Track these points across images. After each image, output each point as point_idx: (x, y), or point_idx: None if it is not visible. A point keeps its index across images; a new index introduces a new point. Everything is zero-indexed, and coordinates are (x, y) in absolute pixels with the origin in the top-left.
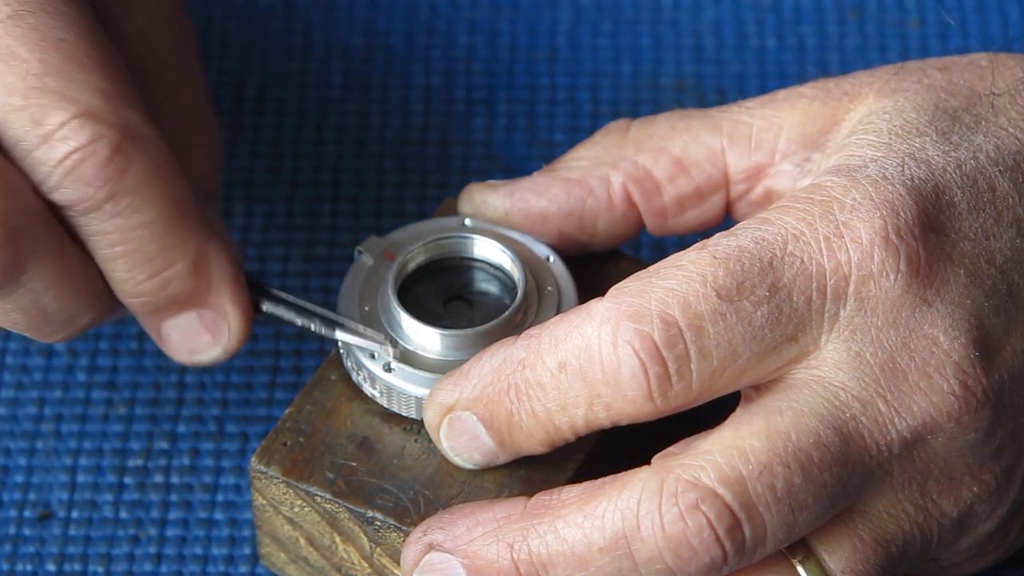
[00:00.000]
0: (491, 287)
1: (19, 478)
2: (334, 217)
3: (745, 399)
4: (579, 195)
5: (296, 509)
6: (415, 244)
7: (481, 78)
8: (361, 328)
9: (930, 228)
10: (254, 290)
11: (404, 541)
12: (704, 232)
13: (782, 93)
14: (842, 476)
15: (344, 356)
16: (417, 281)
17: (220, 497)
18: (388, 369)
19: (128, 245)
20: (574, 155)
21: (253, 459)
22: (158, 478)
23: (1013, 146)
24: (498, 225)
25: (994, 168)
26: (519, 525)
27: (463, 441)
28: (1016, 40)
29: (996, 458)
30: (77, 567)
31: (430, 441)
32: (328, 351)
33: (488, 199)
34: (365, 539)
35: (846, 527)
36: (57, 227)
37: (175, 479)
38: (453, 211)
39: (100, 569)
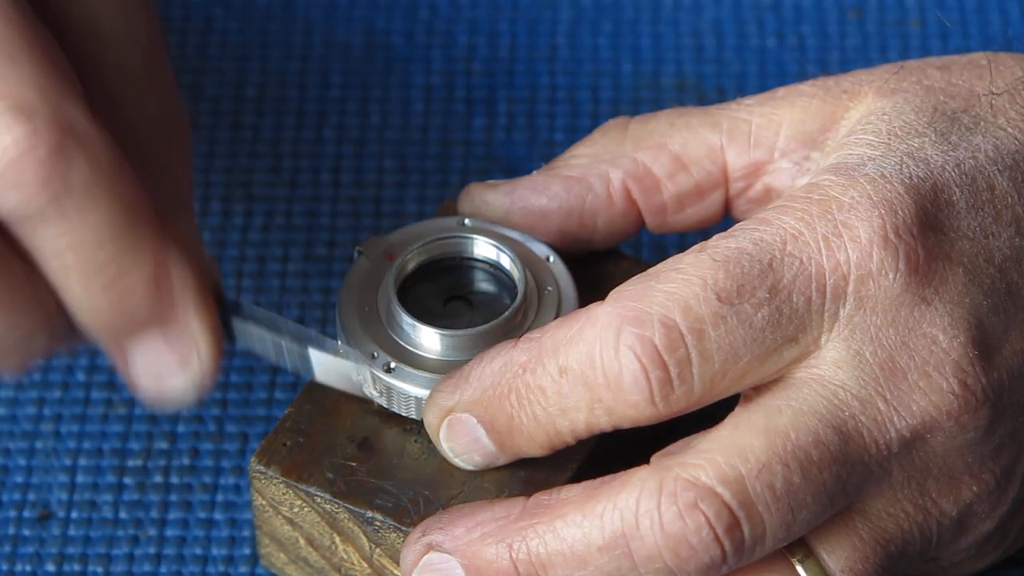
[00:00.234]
0: (491, 287)
1: (18, 478)
2: (334, 217)
3: (744, 398)
4: (579, 192)
5: (296, 509)
6: (415, 244)
7: (481, 78)
8: (341, 348)
9: (929, 227)
10: (225, 309)
11: (403, 541)
12: (703, 229)
13: (781, 91)
14: (841, 475)
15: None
16: (417, 281)
17: (220, 497)
18: (388, 370)
19: (76, 254)
20: (573, 153)
21: (253, 459)
22: (157, 478)
23: (1012, 145)
24: (498, 225)
25: (993, 167)
26: (518, 525)
27: (463, 443)
28: (1016, 40)
29: (995, 457)
30: (76, 567)
31: (430, 442)
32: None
33: (488, 198)
34: (365, 539)
35: (845, 526)
36: None
37: (175, 479)
38: (453, 211)
39: (99, 569)
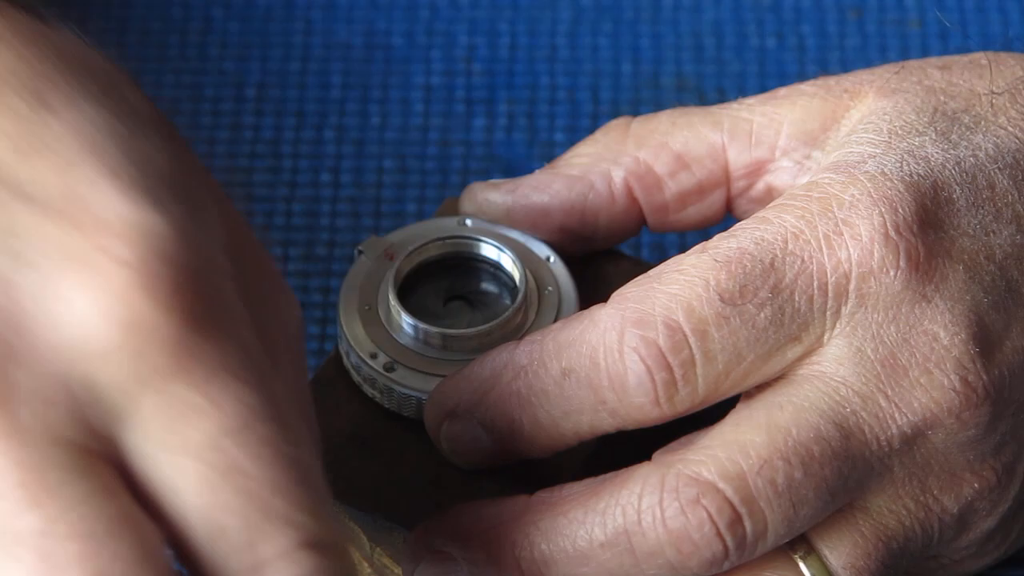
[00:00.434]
0: (491, 287)
1: None
2: (334, 217)
3: (746, 395)
4: (581, 191)
5: None
6: (415, 244)
7: (481, 78)
8: None
9: (929, 224)
10: None
11: (404, 542)
12: (705, 229)
13: (782, 91)
14: (842, 471)
15: (344, 356)
16: (417, 281)
17: None
18: (389, 369)
19: None
20: (575, 152)
21: None
22: None
23: (1012, 144)
24: (498, 225)
25: (993, 165)
26: (520, 523)
27: (464, 443)
28: (1016, 40)
29: (997, 454)
30: None
31: (430, 441)
32: (328, 351)
33: (490, 197)
34: (365, 539)
35: (847, 523)
36: None
37: None
38: (453, 211)
39: None
